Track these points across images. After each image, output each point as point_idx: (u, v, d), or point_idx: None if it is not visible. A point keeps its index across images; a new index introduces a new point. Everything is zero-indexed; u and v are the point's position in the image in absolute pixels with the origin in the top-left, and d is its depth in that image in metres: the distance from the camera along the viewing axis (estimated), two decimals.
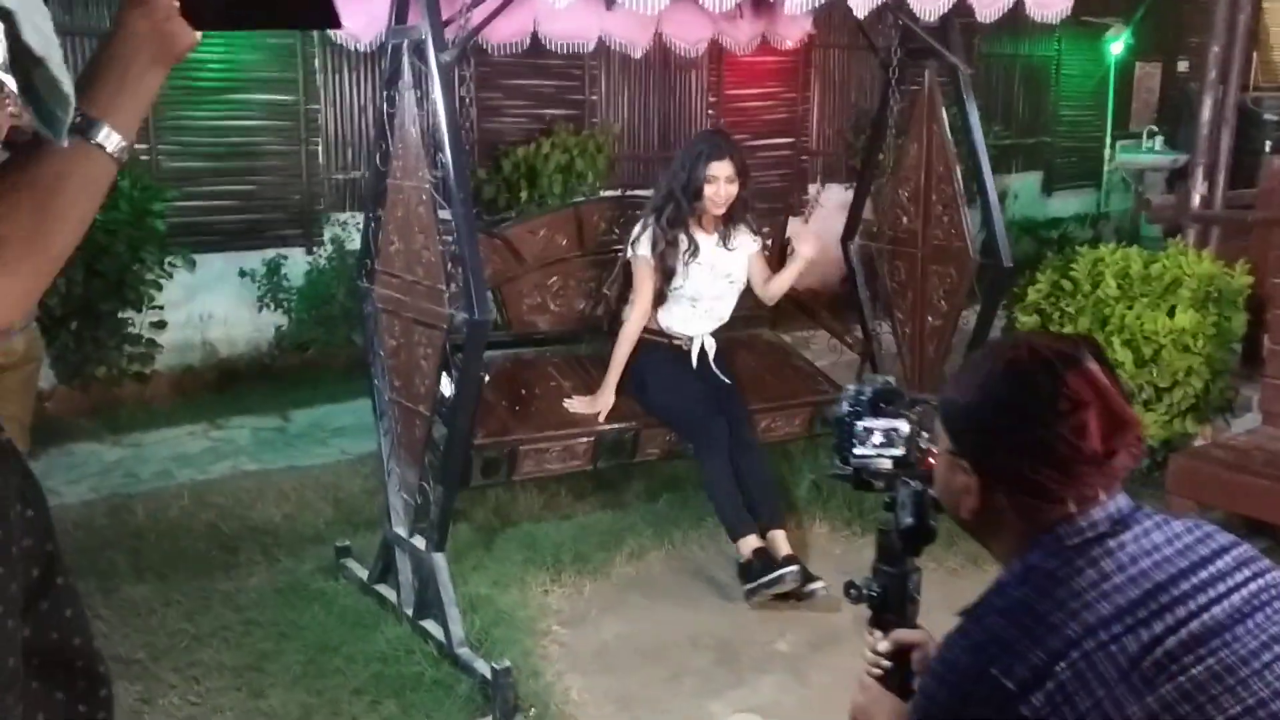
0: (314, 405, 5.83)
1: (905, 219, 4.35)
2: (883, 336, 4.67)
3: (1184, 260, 4.58)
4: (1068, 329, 4.47)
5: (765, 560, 3.65)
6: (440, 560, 3.29)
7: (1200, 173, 4.99)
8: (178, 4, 1.07)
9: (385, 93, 3.37)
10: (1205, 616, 1.18)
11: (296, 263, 6.78)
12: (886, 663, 1.61)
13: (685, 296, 3.95)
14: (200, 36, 1.10)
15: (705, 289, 3.96)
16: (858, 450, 1.65)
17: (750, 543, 3.69)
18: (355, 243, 5.53)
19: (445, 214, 3.12)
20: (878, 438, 1.64)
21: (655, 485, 4.53)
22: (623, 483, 4.53)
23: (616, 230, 4.29)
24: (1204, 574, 1.22)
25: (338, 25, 1.29)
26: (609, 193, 7.37)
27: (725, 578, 3.87)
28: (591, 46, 4.15)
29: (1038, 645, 1.18)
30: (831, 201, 8.27)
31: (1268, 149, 8.72)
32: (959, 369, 1.46)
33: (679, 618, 3.65)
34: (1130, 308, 4.43)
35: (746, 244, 4.02)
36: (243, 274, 6.57)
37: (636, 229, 3.94)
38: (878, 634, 1.64)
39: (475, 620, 3.36)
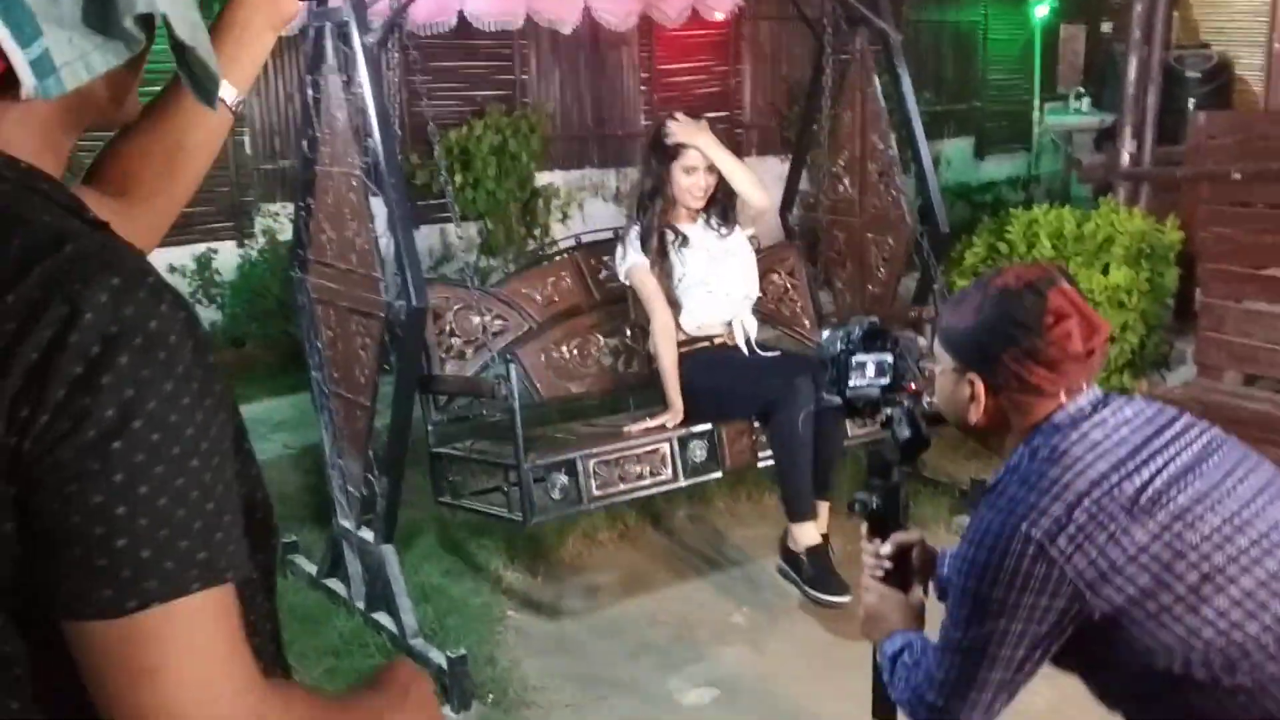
0: (252, 400, 5.71)
1: (842, 188, 4.35)
2: (823, 306, 4.67)
3: (1116, 218, 4.65)
4: None
5: (817, 562, 3.37)
6: (389, 551, 3.25)
7: (1128, 131, 5.06)
8: None
9: (309, 78, 3.29)
10: (1177, 461, 1.50)
11: (228, 256, 6.64)
12: (889, 564, 1.81)
13: (696, 285, 3.64)
14: (301, 5, 1.33)
15: (712, 271, 3.66)
16: (853, 382, 1.83)
17: (810, 533, 3.40)
18: (288, 234, 5.43)
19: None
20: (870, 370, 1.83)
21: None
22: None
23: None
24: (1167, 434, 1.54)
25: None
26: (546, 179, 7.33)
27: (680, 553, 3.88)
28: (519, 24, 4.10)
29: (1055, 501, 1.46)
30: (768, 174, 8.27)
31: (1190, 106, 8.89)
32: (951, 301, 1.75)
33: (635, 596, 3.64)
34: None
35: (739, 230, 3.78)
36: (172, 269, 6.42)
37: (618, 249, 3.70)
38: (877, 541, 1.83)
39: (428, 610, 3.32)
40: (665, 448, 3.36)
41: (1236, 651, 1.42)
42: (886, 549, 1.81)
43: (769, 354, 3.71)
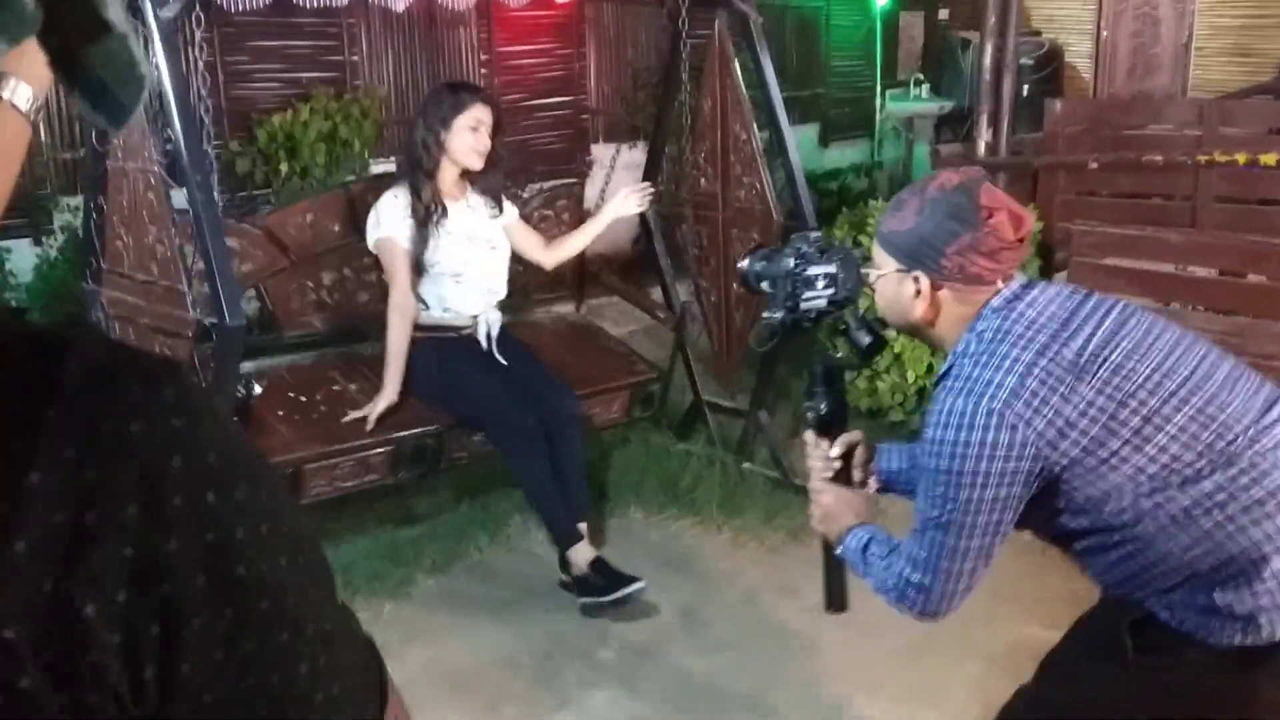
0: None
1: (704, 181, 4.09)
2: (690, 305, 4.41)
3: None
4: None
5: (603, 572, 3.35)
6: None
7: (985, 120, 4.97)
8: None
9: None
10: (1104, 326, 1.69)
11: (23, 255, 5.95)
12: (838, 464, 1.98)
13: (445, 274, 3.51)
14: None
15: (467, 259, 3.54)
16: (806, 295, 1.93)
17: (584, 553, 3.38)
18: None
19: (182, 200, 2.62)
20: (821, 283, 1.94)
21: (456, 489, 4.13)
22: (418, 489, 4.10)
23: None
24: (1087, 306, 1.73)
25: None
26: (382, 167, 6.86)
27: (539, 584, 3.55)
28: (345, 0, 3.67)
29: (1009, 374, 1.64)
30: (618, 162, 8.00)
31: (1024, 92, 9.04)
32: (889, 210, 1.83)
33: (492, 636, 3.30)
34: None
35: (504, 210, 3.68)
36: None
37: (372, 211, 3.51)
38: (825, 444, 1.98)
39: None
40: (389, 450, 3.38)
41: (1177, 479, 1.63)
42: (836, 450, 1.98)
43: (511, 361, 3.59)
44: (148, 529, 0.56)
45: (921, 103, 10.25)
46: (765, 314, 1.99)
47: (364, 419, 3.37)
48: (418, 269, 3.48)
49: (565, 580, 3.45)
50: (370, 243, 3.53)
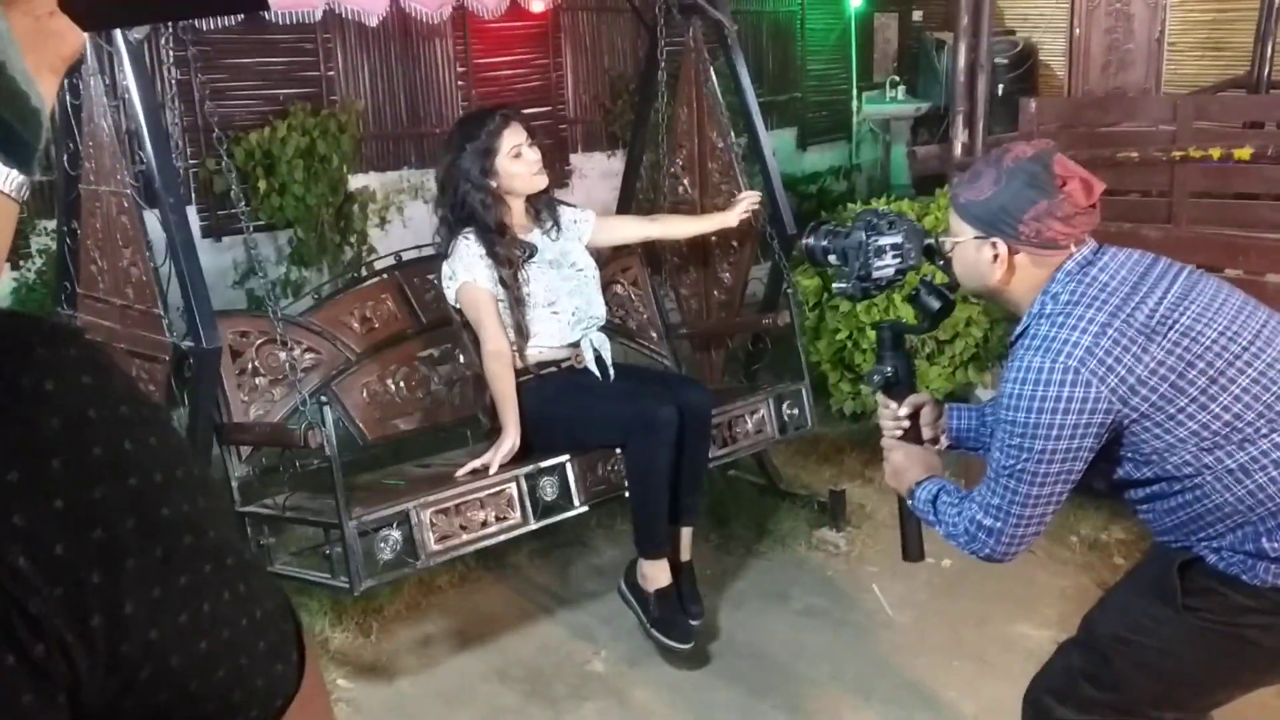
0: None
1: (682, 189, 4.08)
2: (669, 313, 4.40)
3: None
4: None
5: (665, 605, 3.11)
6: None
7: (960, 120, 4.98)
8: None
9: (65, 81, 2.80)
10: (1173, 290, 1.80)
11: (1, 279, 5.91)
12: (906, 423, 2.12)
13: (540, 306, 3.23)
14: (87, 37, 0.90)
15: (556, 285, 3.26)
16: (878, 265, 2.06)
17: (660, 574, 3.12)
18: None
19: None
20: (890, 253, 2.06)
21: None
22: None
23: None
24: (1156, 272, 1.83)
25: (264, 6, 0.94)
26: (360, 182, 6.87)
27: (530, 591, 3.54)
28: (319, 15, 3.66)
29: (1084, 334, 1.75)
30: (594, 170, 7.99)
31: (999, 92, 9.07)
32: (964, 181, 1.95)
33: (482, 649, 3.29)
34: None
35: (575, 220, 3.42)
36: None
37: (446, 263, 3.21)
38: (893, 405, 2.13)
39: None
40: (512, 488, 2.98)
41: (1238, 436, 1.75)
42: (904, 410, 2.12)
43: (626, 376, 3.35)
44: (75, 480, 0.58)
45: (898, 104, 10.28)
46: (836, 285, 2.15)
47: (484, 468, 3.04)
48: (516, 308, 3.19)
49: (622, 590, 3.25)
50: (450, 295, 3.23)
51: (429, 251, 3.63)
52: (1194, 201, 4.57)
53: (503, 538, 3.01)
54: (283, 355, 3.01)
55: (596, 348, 3.31)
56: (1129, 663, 1.94)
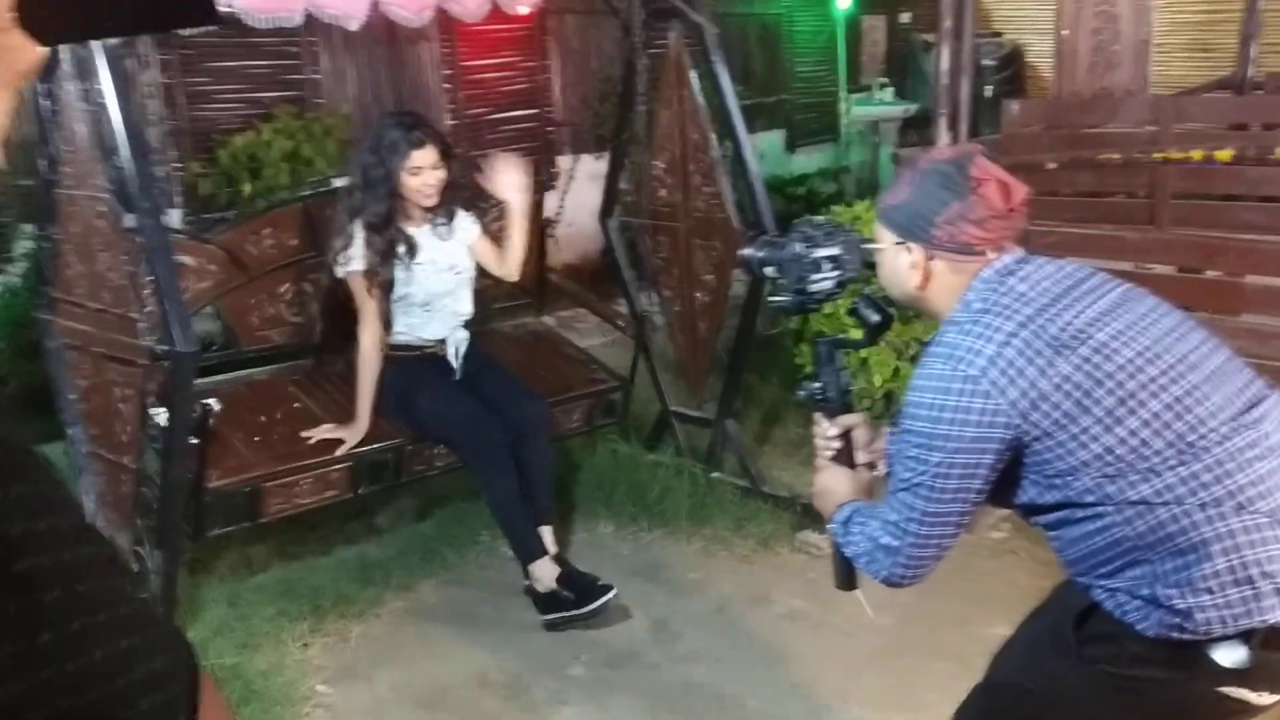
0: None
1: (664, 191, 4.09)
2: (653, 315, 4.41)
3: None
4: None
5: (571, 585, 3.37)
6: None
7: (944, 122, 4.98)
8: (15, 14, 0.80)
9: (42, 86, 2.80)
10: (1097, 305, 1.71)
11: None
12: (837, 444, 2.01)
13: (415, 303, 3.51)
14: (45, 52, 0.86)
15: (434, 288, 3.53)
16: (815, 278, 1.99)
17: (547, 569, 3.39)
18: None
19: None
20: (828, 265, 1.99)
21: (422, 503, 4.12)
22: (385, 505, 4.08)
23: None
24: (1085, 286, 1.75)
25: (215, 20, 0.94)
26: (341, 181, 6.83)
27: (509, 600, 3.53)
28: (298, 21, 3.64)
29: (988, 343, 1.67)
30: (583, 172, 7.98)
31: (987, 93, 9.09)
32: (886, 188, 1.90)
33: (461, 654, 3.28)
34: None
35: (465, 230, 3.62)
36: None
37: (338, 240, 3.44)
38: (826, 423, 2.03)
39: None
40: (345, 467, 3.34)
41: (1143, 465, 1.64)
42: (833, 431, 2.01)
43: (476, 378, 3.59)
44: None
45: (886, 106, 10.30)
46: (773, 298, 2.08)
47: (332, 442, 3.36)
48: (386, 300, 3.47)
49: (529, 589, 3.44)
50: (339, 272, 3.48)
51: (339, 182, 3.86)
52: (1175, 203, 4.58)
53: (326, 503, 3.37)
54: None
55: (457, 342, 3.59)
56: (1029, 715, 1.89)
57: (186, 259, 3.32)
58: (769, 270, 2.06)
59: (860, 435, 2.03)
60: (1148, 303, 1.76)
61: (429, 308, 3.54)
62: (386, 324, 3.49)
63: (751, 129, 9.72)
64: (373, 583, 3.57)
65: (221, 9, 3.41)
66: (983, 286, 1.75)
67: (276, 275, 3.72)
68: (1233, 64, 6.77)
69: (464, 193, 3.65)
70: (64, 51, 2.66)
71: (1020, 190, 1.77)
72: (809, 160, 10.18)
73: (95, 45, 2.54)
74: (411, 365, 3.54)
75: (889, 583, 1.80)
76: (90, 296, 2.75)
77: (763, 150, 9.56)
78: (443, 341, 3.59)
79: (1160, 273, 3.86)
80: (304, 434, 3.37)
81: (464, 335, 3.63)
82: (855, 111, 10.41)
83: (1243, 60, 6.57)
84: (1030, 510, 1.79)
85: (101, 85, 2.55)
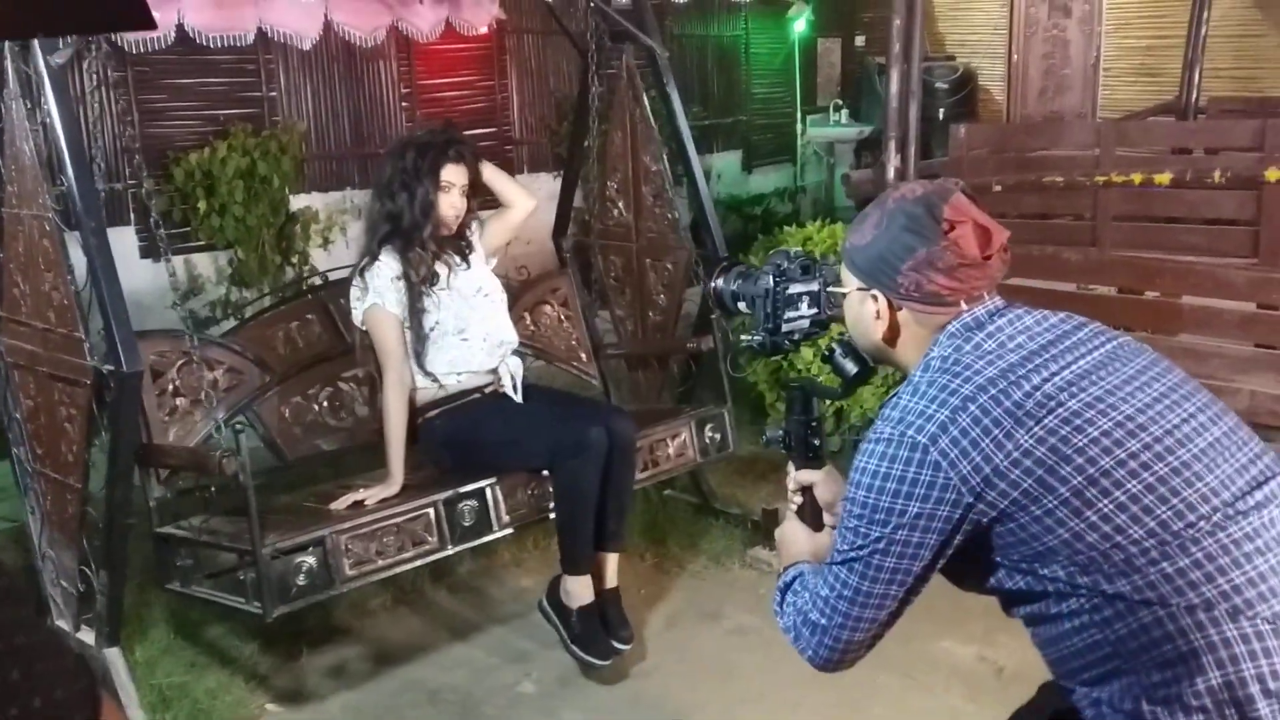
0: None
1: (616, 212, 4.13)
2: (606, 334, 4.44)
3: None
4: None
5: (587, 622, 3.16)
6: (115, 656, 2.78)
7: (893, 145, 5.07)
8: None
9: None
10: (1074, 366, 1.49)
11: None
12: (796, 499, 1.82)
13: (449, 332, 3.22)
14: None
15: (465, 313, 3.25)
16: (789, 315, 1.81)
17: (583, 590, 3.16)
18: None
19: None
20: (805, 302, 1.81)
21: None
22: None
23: None
24: (1069, 341, 1.53)
25: (151, 26, 0.94)
26: (302, 203, 6.85)
27: (463, 612, 3.54)
28: (251, 38, 3.66)
29: (942, 406, 1.45)
30: (541, 191, 8.02)
31: (940, 116, 9.24)
32: (853, 224, 1.67)
33: (412, 672, 3.28)
34: None
35: (477, 233, 3.40)
36: None
37: (356, 280, 3.20)
38: (791, 471, 1.85)
39: (168, 718, 2.87)
40: (430, 513, 3.00)
41: (1118, 556, 1.41)
42: (790, 484, 1.83)
43: (546, 400, 3.39)
44: None
45: (841, 128, 10.43)
46: (745, 336, 1.88)
47: (359, 503, 3.04)
48: (419, 338, 3.19)
49: (543, 606, 3.27)
50: (357, 316, 3.22)
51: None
52: (1116, 225, 4.69)
53: (419, 563, 3.04)
54: (204, 376, 3.01)
55: (512, 372, 3.35)
56: None
57: (207, 374, 3.08)
58: (742, 305, 1.87)
59: (823, 493, 1.81)
60: (1139, 361, 1.54)
61: (466, 336, 3.25)
62: (426, 370, 3.21)
63: (709, 149, 9.85)
64: (323, 601, 3.56)
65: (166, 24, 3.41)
66: (947, 342, 1.55)
67: (306, 376, 3.45)
68: (1177, 88, 6.93)
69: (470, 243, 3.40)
70: (9, 69, 2.65)
71: (1000, 235, 1.57)
72: (766, 180, 10.29)
73: (41, 64, 2.54)
74: (469, 409, 3.23)
75: (813, 664, 1.59)
76: (35, 315, 2.74)
77: (720, 170, 9.66)
78: (494, 372, 3.32)
79: (1101, 293, 3.95)
80: (332, 505, 3.04)
81: (517, 363, 3.38)
82: (811, 133, 10.54)
83: (1186, 85, 6.73)
84: (1004, 599, 1.56)
85: (47, 103, 2.55)
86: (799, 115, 10.54)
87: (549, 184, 8.10)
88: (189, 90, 6.51)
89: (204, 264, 6.49)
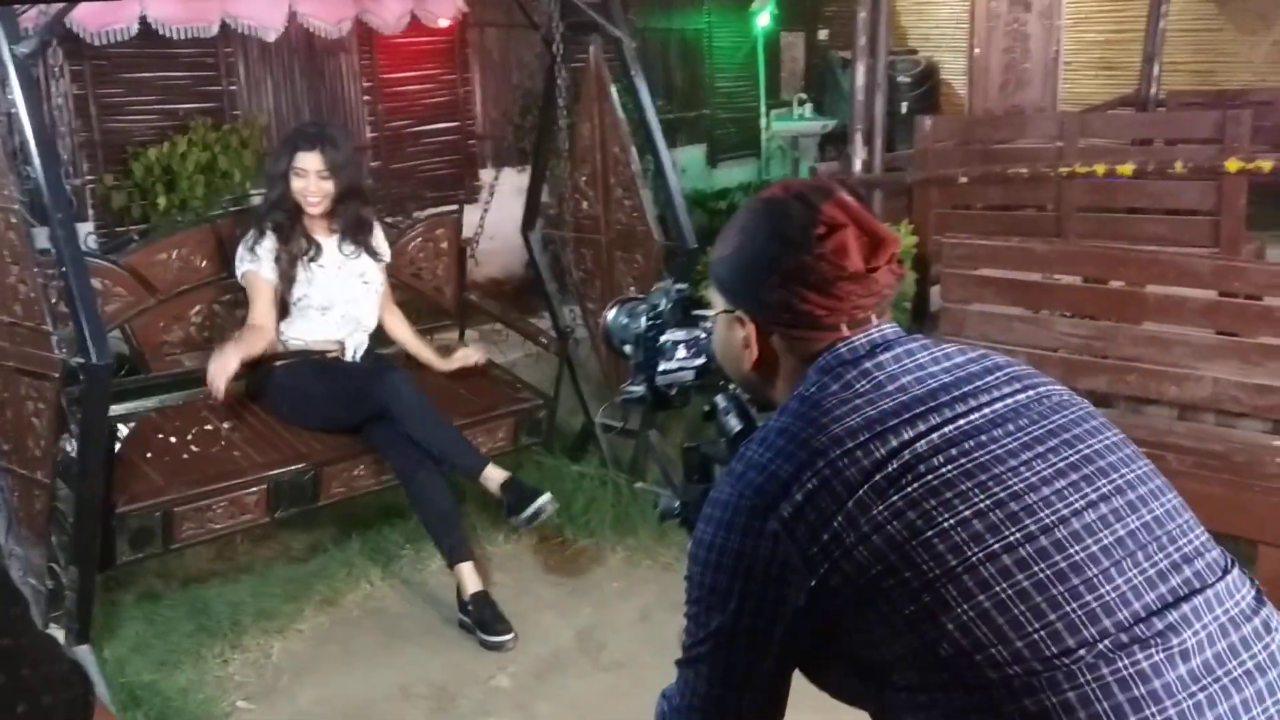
0: None
1: (585, 204, 4.13)
2: (576, 328, 4.44)
3: None
4: None
5: (481, 606, 3.39)
6: (85, 654, 2.75)
7: (859, 138, 5.11)
8: None
9: None
10: (962, 422, 1.16)
11: None
12: None
13: (313, 306, 3.57)
14: None
15: (336, 293, 3.59)
16: (664, 366, 1.55)
17: (472, 576, 3.42)
18: None
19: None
20: (683, 350, 1.56)
21: (343, 522, 4.07)
22: (308, 521, 4.03)
23: None
24: (968, 388, 1.20)
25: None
26: (261, 197, 6.76)
27: (433, 615, 3.53)
28: (214, 31, 3.63)
29: (787, 462, 1.15)
30: (506, 185, 8.00)
31: (904, 109, 9.30)
32: (721, 231, 1.37)
33: (385, 667, 3.26)
34: None
35: (379, 248, 3.71)
36: None
37: (241, 246, 3.54)
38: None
39: (138, 718, 2.83)
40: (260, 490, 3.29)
41: (976, 679, 1.05)
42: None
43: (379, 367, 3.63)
44: None
45: (805, 122, 10.47)
46: (623, 386, 1.61)
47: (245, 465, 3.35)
48: (284, 306, 3.54)
49: (464, 620, 3.43)
50: (238, 274, 3.55)
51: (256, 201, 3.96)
52: (1081, 216, 4.75)
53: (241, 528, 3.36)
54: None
55: (356, 345, 3.64)
56: None
57: (94, 281, 3.19)
58: (627, 347, 1.59)
59: None
60: (1054, 420, 1.20)
61: (326, 311, 3.59)
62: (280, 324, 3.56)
63: (673, 143, 9.84)
64: (294, 598, 3.53)
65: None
66: (814, 379, 1.23)
67: (186, 297, 3.69)
68: (1136, 82, 7.02)
69: (366, 229, 3.67)
70: None
71: (891, 242, 1.26)
72: (730, 174, 10.30)
73: (5, 55, 2.50)
74: (306, 366, 3.55)
75: None
76: (1, 309, 2.69)
77: (685, 165, 9.66)
78: (340, 344, 3.62)
79: (1067, 283, 3.99)
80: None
81: (363, 339, 3.67)
82: (775, 127, 10.57)
83: (1145, 78, 6.82)
84: (872, 710, 1.21)
85: (13, 95, 2.51)
86: (763, 109, 10.56)
87: (514, 178, 8.04)
88: (147, 84, 6.41)
89: None
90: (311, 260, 3.54)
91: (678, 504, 1.56)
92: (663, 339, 1.54)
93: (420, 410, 3.41)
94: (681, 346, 1.55)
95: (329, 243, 3.59)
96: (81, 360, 2.47)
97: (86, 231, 5.87)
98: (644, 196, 3.96)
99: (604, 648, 3.37)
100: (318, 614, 3.50)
